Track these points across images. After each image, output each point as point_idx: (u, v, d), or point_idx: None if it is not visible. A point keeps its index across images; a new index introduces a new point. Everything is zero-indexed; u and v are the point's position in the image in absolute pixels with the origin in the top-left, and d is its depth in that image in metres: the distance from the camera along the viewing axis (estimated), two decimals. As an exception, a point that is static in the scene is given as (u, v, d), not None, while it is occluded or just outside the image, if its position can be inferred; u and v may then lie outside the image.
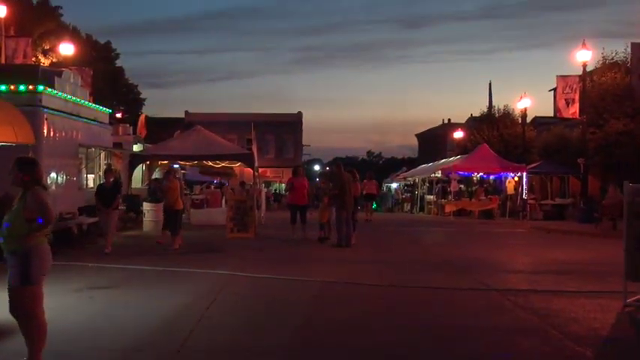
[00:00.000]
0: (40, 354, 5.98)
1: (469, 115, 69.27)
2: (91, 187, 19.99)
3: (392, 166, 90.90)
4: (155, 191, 21.91)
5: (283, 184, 27.71)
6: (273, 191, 62.81)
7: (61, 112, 17.88)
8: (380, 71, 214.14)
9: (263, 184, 39.46)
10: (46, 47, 38.72)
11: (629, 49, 32.79)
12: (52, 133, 17.20)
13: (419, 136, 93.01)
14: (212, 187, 34.92)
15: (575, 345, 7.37)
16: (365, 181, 30.12)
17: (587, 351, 7.15)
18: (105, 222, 16.47)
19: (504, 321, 8.68)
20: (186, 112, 69.62)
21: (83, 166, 20.08)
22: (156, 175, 26.34)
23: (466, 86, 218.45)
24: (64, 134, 18.07)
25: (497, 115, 48.98)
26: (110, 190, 16.39)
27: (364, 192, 28.35)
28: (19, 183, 6.08)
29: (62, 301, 9.44)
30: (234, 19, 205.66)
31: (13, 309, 5.93)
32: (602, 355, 7.26)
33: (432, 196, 41.81)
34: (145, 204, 22.89)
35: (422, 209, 43.98)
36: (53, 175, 17.41)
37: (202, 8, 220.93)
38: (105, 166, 20.90)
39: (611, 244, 18.79)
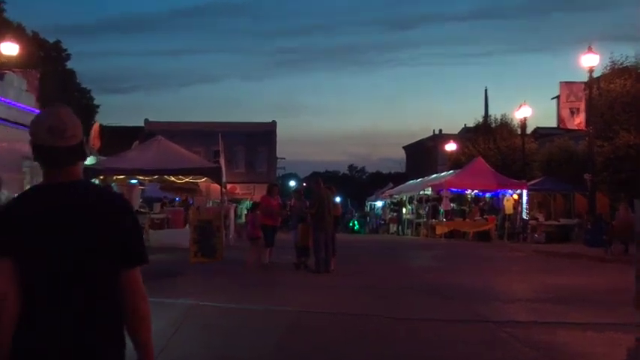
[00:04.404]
0: None
1: (463, 126, 69.80)
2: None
3: (377, 181, 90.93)
4: None
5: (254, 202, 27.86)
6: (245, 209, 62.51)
7: (2, 120, 17.74)
8: (364, 76, 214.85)
9: (232, 202, 39.31)
10: (-14, 46, 38.39)
11: (640, 53, 33.03)
12: (-8, 144, 17.05)
13: (407, 148, 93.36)
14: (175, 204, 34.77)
15: (580, 383, 7.38)
16: None
17: (595, 390, 7.17)
18: None
19: (501, 356, 8.67)
20: (146, 121, 69.48)
21: (27, 181, 19.91)
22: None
23: (460, 93, 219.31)
24: (5, 145, 17.94)
25: (493, 125, 49.37)
26: None
27: None
28: None
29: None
30: (202, 18, 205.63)
31: None
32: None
33: (421, 216, 41.96)
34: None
35: (410, 230, 44.09)
36: (-7, 191, 17.19)
37: (166, 5, 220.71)
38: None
39: (621, 270, 18.88)
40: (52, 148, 3.03)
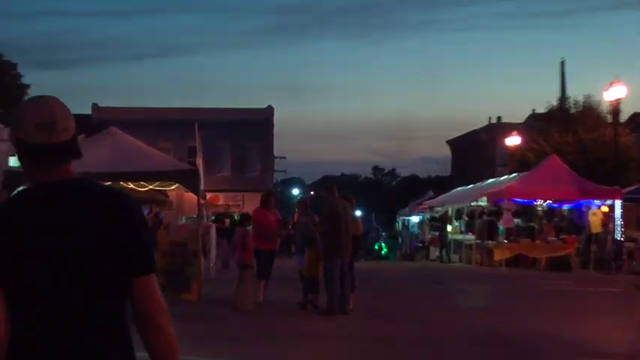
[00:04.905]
0: None
1: (530, 112, 69.67)
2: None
3: (411, 189, 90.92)
4: None
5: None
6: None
7: None
8: (393, 46, 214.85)
9: (212, 217, 39.34)
10: None
11: None
12: None
13: (453, 143, 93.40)
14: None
15: None
16: None
17: None
18: None
19: None
20: (95, 107, 69.61)
21: None
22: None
23: (526, 68, 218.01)
24: None
25: (573, 110, 49.32)
26: None
27: None
28: None
29: None
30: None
31: None
32: None
33: (472, 236, 41.80)
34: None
35: (458, 256, 43.93)
36: None
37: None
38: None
39: None
40: (41, 145, 3.43)
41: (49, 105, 3.44)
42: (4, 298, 3.32)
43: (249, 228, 21.46)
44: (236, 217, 32.64)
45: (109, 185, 4.18)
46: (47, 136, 3.38)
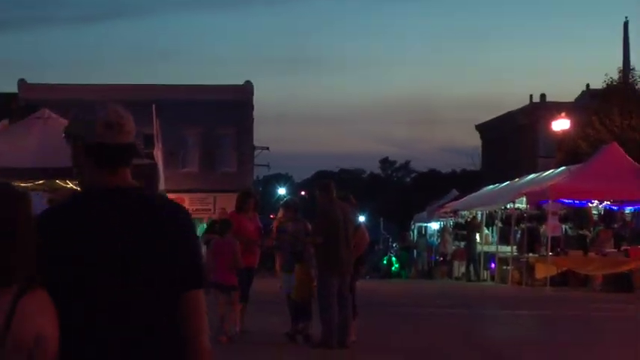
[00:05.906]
0: None
1: (583, 89, 69.73)
2: None
3: (430, 187, 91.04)
4: None
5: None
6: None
7: None
8: (407, 4, 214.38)
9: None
10: None
11: None
12: None
13: (483, 128, 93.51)
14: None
15: None
16: None
17: None
18: None
19: None
20: (23, 84, 69.48)
21: None
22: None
23: (577, 30, 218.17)
24: None
25: (639, 85, 49.27)
26: None
27: None
28: None
29: None
30: None
31: None
32: None
33: (508, 248, 41.77)
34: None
35: (488, 272, 43.93)
36: None
37: None
38: None
39: None
40: (110, 145, 4.18)
41: (115, 108, 4.24)
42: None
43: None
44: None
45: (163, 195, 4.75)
46: (116, 135, 4.15)
